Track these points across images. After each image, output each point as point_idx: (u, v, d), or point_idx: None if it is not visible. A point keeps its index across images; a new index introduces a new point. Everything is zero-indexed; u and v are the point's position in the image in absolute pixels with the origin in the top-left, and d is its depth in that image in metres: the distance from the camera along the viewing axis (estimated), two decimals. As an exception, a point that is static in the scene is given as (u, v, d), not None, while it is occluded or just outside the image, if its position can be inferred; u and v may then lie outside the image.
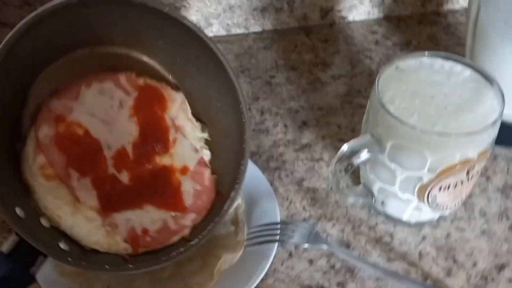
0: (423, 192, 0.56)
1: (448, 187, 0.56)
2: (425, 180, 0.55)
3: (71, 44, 0.55)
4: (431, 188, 0.56)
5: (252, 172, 0.66)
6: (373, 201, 0.62)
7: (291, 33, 0.89)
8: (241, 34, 0.89)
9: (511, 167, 0.69)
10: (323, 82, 0.81)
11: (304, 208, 0.66)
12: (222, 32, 0.88)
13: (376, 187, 0.60)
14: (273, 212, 0.62)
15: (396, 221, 0.63)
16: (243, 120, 0.56)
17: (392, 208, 0.61)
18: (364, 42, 0.87)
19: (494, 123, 0.53)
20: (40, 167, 0.53)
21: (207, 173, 0.59)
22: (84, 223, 0.55)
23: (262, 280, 0.57)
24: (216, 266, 0.58)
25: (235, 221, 0.62)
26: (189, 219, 0.57)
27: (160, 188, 0.57)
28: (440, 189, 0.56)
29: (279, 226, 0.60)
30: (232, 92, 0.54)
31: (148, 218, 0.56)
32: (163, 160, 0.57)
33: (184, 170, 0.58)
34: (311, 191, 0.68)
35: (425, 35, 0.88)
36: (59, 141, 0.54)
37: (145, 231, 0.55)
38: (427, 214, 0.61)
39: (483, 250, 0.61)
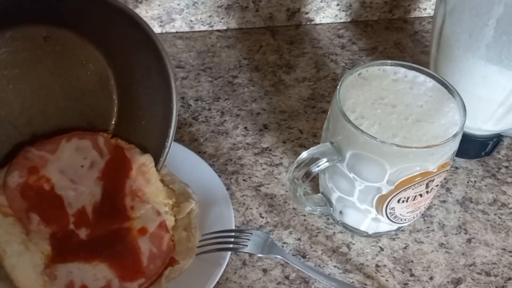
0: (381, 203, 0.55)
1: (407, 199, 0.54)
2: (384, 191, 0.54)
3: (22, 16, 0.56)
4: (390, 200, 0.54)
5: (208, 175, 0.64)
6: (332, 210, 0.60)
7: (256, 33, 0.87)
8: (205, 31, 0.86)
9: (471, 180, 0.68)
10: (287, 84, 0.79)
11: (260, 215, 0.64)
12: (185, 28, 0.85)
13: (334, 196, 0.59)
14: (228, 218, 0.60)
15: (354, 232, 0.61)
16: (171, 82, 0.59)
17: (350, 218, 0.60)
18: (330, 46, 0.86)
19: (455, 136, 0.52)
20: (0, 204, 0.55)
21: (166, 238, 0.57)
22: (27, 266, 0.53)
23: (213, 289, 0.55)
24: (165, 274, 0.55)
25: (187, 226, 0.60)
26: (136, 283, 0.54)
27: (118, 247, 0.55)
28: (398, 201, 0.54)
29: (233, 233, 0.58)
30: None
31: (91, 274, 0.53)
32: (122, 225, 0.57)
33: (143, 231, 0.57)
34: (269, 197, 0.66)
35: (391, 41, 0.87)
36: (25, 189, 0.56)
37: (83, 287, 0.52)
38: (385, 225, 0.59)
39: (440, 264, 0.60)
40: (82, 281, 0.52)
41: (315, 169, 0.54)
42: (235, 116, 0.75)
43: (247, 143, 0.71)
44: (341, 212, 0.60)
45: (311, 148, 0.55)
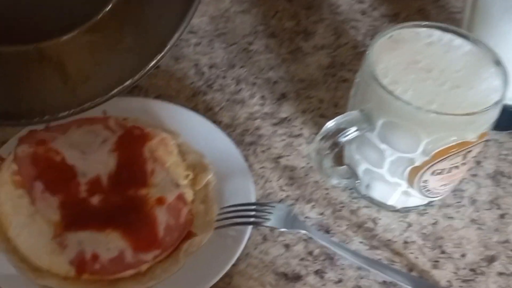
0: (414, 176, 0.51)
1: (442, 172, 0.51)
2: (417, 163, 0.50)
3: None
4: (423, 172, 0.51)
5: (225, 145, 0.60)
6: (357, 183, 0.57)
7: (271, -3, 0.82)
8: (218, -5, 0.82)
9: (503, 153, 0.64)
10: (305, 52, 0.75)
11: (281, 188, 0.60)
12: (197, -8, 0.81)
13: (361, 168, 0.55)
14: (248, 191, 0.56)
15: (381, 206, 0.58)
16: None
17: (378, 191, 0.56)
18: (350, 12, 0.81)
19: (497, 103, 0.48)
20: (12, 172, 0.53)
21: (184, 210, 0.54)
22: (33, 234, 0.50)
23: (233, 265, 0.52)
24: (183, 248, 0.52)
25: (204, 199, 0.56)
26: (150, 255, 0.50)
27: (132, 216, 0.52)
28: (433, 173, 0.51)
29: (254, 207, 0.55)
30: None
31: (104, 243, 0.50)
32: (138, 191, 0.54)
33: (160, 201, 0.53)
34: (289, 170, 0.62)
35: (414, 7, 0.82)
36: (35, 158, 0.54)
37: (94, 257, 0.49)
38: (415, 200, 0.56)
39: (472, 241, 0.56)
40: (94, 250, 0.49)
41: (342, 139, 0.51)
42: (252, 85, 0.71)
43: (265, 113, 0.67)
44: (368, 185, 0.56)
45: (338, 116, 0.52)
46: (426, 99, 0.49)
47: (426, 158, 0.50)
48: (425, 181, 0.52)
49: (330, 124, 0.51)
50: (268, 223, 0.53)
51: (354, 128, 0.51)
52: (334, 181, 0.55)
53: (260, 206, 0.55)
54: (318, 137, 0.51)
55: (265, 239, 0.56)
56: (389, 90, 0.48)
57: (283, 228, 0.53)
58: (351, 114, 0.52)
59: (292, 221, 0.54)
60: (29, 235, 0.50)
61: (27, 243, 0.49)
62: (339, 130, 0.51)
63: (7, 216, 0.50)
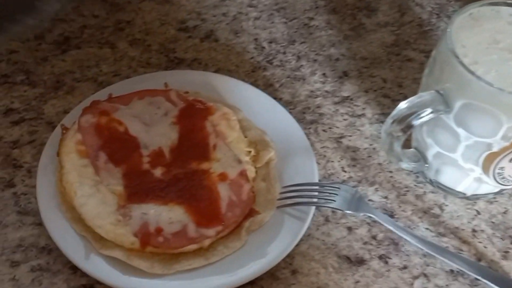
0: (490, 162, 0.49)
1: (521, 159, 0.48)
2: (495, 148, 0.48)
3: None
4: (501, 159, 0.48)
5: (287, 123, 0.59)
6: (426, 167, 0.54)
7: (333, -28, 0.79)
8: (278, -32, 0.79)
9: None
10: (368, 29, 0.72)
11: (343, 169, 0.58)
12: (257, -36, 0.79)
13: (431, 152, 0.53)
14: (310, 170, 0.55)
15: (448, 192, 0.56)
16: None
17: (448, 177, 0.54)
18: (415, -12, 0.78)
19: None
20: (76, 142, 0.53)
21: (246, 187, 0.52)
22: (98, 204, 0.50)
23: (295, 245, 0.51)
24: (245, 226, 0.51)
25: (266, 177, 0.55)
26: (213, 230, 0.49)
27: (195, 190, 0.51)
28: (511, 160, 0.48)
29: (317, 187, 0.53)
30: None
31: (167, 217, 0.49)
32: (201, 165, 0.53)
33: (223, 177, 0.52)
34: (351, 150, 0.60)
35: (483, -15, 0.78)
36: (98, 128, 0.54)
37: (158, 230, 0.48)
38: (486, 187, 0.53)
39: (545, 232, 0.54)
40: (158, 223, 0.48)
41: (416, 121, 0.48)
42: (313, 61, 0.68)
43: (326, 91, 0.65)
44: (437, 170, 0.54)
45: (412, 97, 0.49)
46: (510, 81, 0.46)
47: (506, 144, 0.47)
48: (502, 168, 0.49)
49: (403, 105, 0.49)
50: (334, 205, 0.51)
51: (429, 110, 0.48)
52: (404, 165, 0.53)
53: (325, 186, 0.53)
54: (390, 119, 0.49)
55: (327, 220, 0.54)
56: (471, 70, 0.46)
57: (348, 211, 0.51)
58: (426, 95, 0.49)
59: (357, 203, 0.52)
60: (94, 205, 0.49)
61: (92, 213, 0.49)
62: (413, 111, 0.48)
63: (72, 185, 0.50)
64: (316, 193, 0.53)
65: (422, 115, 0.48)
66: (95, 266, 0.47)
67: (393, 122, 0.49)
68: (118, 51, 0.66)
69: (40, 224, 0.51)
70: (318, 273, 0.51)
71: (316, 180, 0.54)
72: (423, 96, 0.49)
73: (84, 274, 0.48)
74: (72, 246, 0.48)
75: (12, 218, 0.51)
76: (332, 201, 0.51)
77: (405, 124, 0.48)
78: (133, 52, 0.67)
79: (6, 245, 0.50)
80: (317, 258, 0.52)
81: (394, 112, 0.49)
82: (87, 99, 0.57)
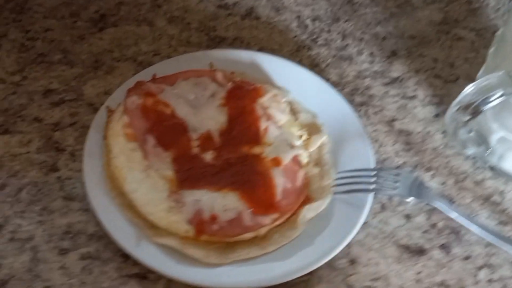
0: (562, 147, 0.46)
1: None
2: None
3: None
4: None
5: (338, 105, 0.56)
6: (488, 152, 0.52)
7: None
8: None
9: None
10: (415, 6, 0.69)
11: (397, 154, 0.56)
12: None
13: (495, 136, 0.50)
14: (365, 155, 0.52)
15: (509, 178, 0.53)
16: None
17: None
18: (463, -37, 0.74)
19: None
20: (123, 125, 0.50)
21: (300, 173, 0.50)
22: (149, 190, 0.47)
23: (350, 234, 0.48)
24: (301, 213, 0.48)
25: (318, 162, 0.53)
26: (269, 218, 0.47)
27: (249, 176, 0.48)
28: None
29: (374, 172, 0.51)
30: None
31: (221, 204, 0.47)
32: (252, 149, 0.50)
33: (276, 162, 0.50)
34: (404, 134, 0.57)
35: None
36: (145, 110, 0.51)
37: (213, 218, 0.46)
38: (553, 173, 0.51)
39: None
40: (212, 210, 0.46)
41: (485, 106, 0.45)
42: (359, 40, 0.65)
43: (375, 71, 0.63)
44: (501, 155, 0.51)
45: (479, 80, 0.46)
46: None
47: None
48: None
49: (469, 89, 0.46)
50: (396, 192, 0.49)
51: (499, 93, 0.45)
52: (470, 152, 0.50)
53: (383, 172, 0.50)
54: (455, 105, 0.46)
55: (383, 208, 0.52)
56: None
57: (410, 198, 0.49)
58: (494, 76, 0.46)
59: (417, 190, 0.50)
60: (145, 191, 0.47)
61: (144, 199, 0.47)
62: (481, 95, 0.46)
63: (121, 170, 0.48)
64: (373, 180, 0.50)
65: (491, 99, 0.46)
66: (148, 254, 0.45)
67: (458, 109, 0.46)
68: (157, 29, 0.63)
69: (87, 210, 0.49)
70: (377, 263, 0.49)
71: (372, 166, 0.51)
72: (490, 78, 0.46)
73: (136, 263, 0.46)
74: (122, 233, 0.46)
75: (58, 203, 0.49)
76: (394, 188, 0.49)
77: (472, 109, 0.46)
78: (172, 30, 0.64)
79: (53, 232, 0.48)
80: (376, 248, 0.50)
81: (460, 97, 0.46)
82: (130, 80, 0.55)
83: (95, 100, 0.56)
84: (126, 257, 0.47)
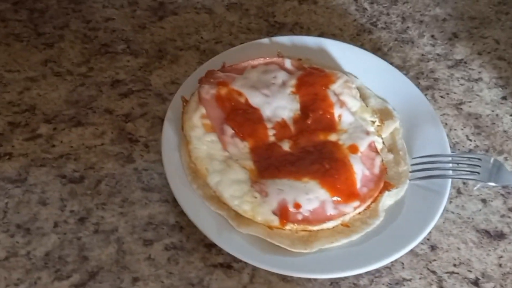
0: None
1: None
2: None
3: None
4: None
5: (408, 89, 0.55)
6: None
7: None
8: None
9: None
10: (472, -14, 0.68)
11: (467, 137, 0.56)
12: None
13: None
14: (441, 140, 0.52)
15: None
16: None
17: None
18: None
19: None
20: (201, 116, 0.50)
21: (378, 160, 0.50)
22: (232, 181, 0.47)
23: (429, 220, 0.48)
24: (381, 200, 0.48)
25: (392, 148, 0.52)
26: (351, 206, 0.47)
27: (328, 162, 0.48)
28: None
29: (451, 158, 0.50)
30: None
31: (303, 193, 0.46)
32: (328, 136, 0.50)
33: (354, 149, 0.49)
34: (473, 117, 0.57)
35: None
36: (219, 100, 0.51)
37: (297, 207, 0.46)
38: None
39: None
40: (295, 199, 0.46)
41: None
42: (419, 23, 0.65)
43: (438, 54, 0.62)
44: None
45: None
46: None
47: None
48: None
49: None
50: (478, 177, 0.48)
51: None
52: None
53: (460, 156, 0.50)
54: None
55: (459, 192, 0.52)
56: None
57: (492, 183, 0.48)
58: None
59: (497, 174, 0.49)
60: (228, 182, 0.47)
61: (228, 190, 0.46)
62: None
63: (203, 161, 0.48)
64: (451, 165, 0.50)
65: None
66: (233, 244, 0.45)
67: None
68: (216, 17, 0.63)
69: (166, 201, 0.49)
70: (458, 248, 0.49)
71: (448, 151, 0.51)
72: None
73: (219, 252, 0.47)
74: (207, 223, 0.46)
75: (137, 195, 0.49)
76: (473, 173, 0.48)
77: None
78: (231, 17, 0.63)
79: (136, 223, 0.48)
80: (455, 233, 0.49)
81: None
82: (198, 69, 0.54)
83: (163, 90, 0.56)
84: (209, 247, 0.47)
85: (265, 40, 0.58)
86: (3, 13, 0.61)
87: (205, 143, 0.49)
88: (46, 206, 0.48)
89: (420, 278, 0.47)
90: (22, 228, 0.47)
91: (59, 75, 0.57)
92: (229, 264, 0.47)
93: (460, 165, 0.49)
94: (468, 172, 0.49)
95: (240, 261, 0.46)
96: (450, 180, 0.49)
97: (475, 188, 0.52)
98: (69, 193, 0.49)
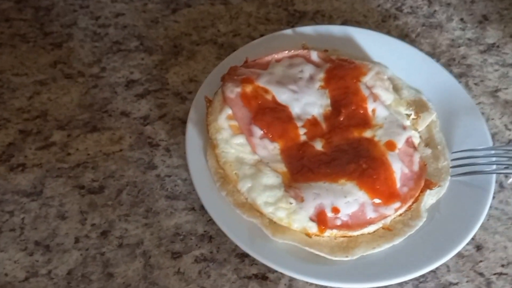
0: None
1: None
2: None
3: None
4: None
5: (442, 78, 0.52)
6: None
7: None
8: None
9: None
10: (500, -36, 0.64)
11: (506, 127, 0.52)
12: None
13: None
14: (482, 132, 0.48)
15: None
16: None
17: None
18: None
19: None
20: (227, 117, 0.47)
21: (416, 156, 0.46)
22: (264, 186, 0.44)
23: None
24: (423, 200, 0.45)
25: (429, 142, 0.49)
26: (391, 208, 0.44)
27: (364, 161, 0.45)
28: None
29: (493, 152, 0.47)
30: None
31: (341, 196, 0.43)
32: (362, 133, 0.47)
33: (391, 146, 0.46)
34: (511, 105, 0.54)
35: None
36: (245, 98, 0.48)
37: (335, 211, 0.43)
38: None
39: None
40: (333, 203, 0.43)
41: None
42: (446, 6, 0.61)
43: (468, 39, 0.58)
44: None
45: None
46: None
47: None
48: None
49: None
50: (528, 172, 0.45)
51: None
52: None
53: (504, 149, 0.47)
54: None
55: (502, 186, 0.49)
56: None
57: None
58: None
59: (545, 167, 0.46)
60: (260, 187, 0.44)
61: (260, 196, 0.43)
62: None
63: (232, 166, 0.45)
64: (494, 159, 0.47)
65: None
66: (268, 253, 0.42)
67: None
68: (232, 8, 0.59)
69: (193, 209, 0.46)
70: (505, 247, 0.46)
71: (490, 143, 0.48)
72: None
73: (253, 263, 0.44)
74: (238, 232, 0.43)
75: (161, 204, 0.46)
76: (522, 168, 0.45)
77: None
78: (248, 8, 0.60)
79: (162, 235, 0.45)
80: (501, 230, 0.46)
81: None
82: (219, 66, 0.51)
83: (181, 89, 0.53)
84: (242, 257, 0.44)
85: (288, 31, 0.55)
86: (6, 13, 0.58)
87: (233, 146, 0.45)
88: (65, 220, 0.45)
89: (467, 282, 0.44)
90: (41, 246, 0.44)
91: (70, 77, 0.53)
92: (264, 275, 0.44)
93: (504, 159, 0.46)
94: (515, 166, 0.46)
95: (276, 271, 0.43)
96: (494, 175, 0.46)
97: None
98: (88, 205, 0.46)
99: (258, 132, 0.46)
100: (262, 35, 0.56)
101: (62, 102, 0.52)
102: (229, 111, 0.46)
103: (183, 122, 0.49)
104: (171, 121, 0.51)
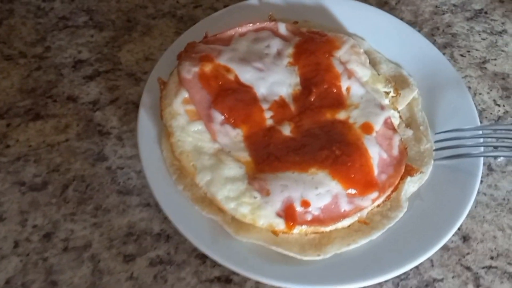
0: None
1: None
2: None
3: None
4: None
5: (425, 50, 0.47)
6: None
7: None
8: None
9: None
10: None
11: (495, 102, 0.48)
12: None
13: None
14: (468, 109, 0.44)
15: None
16: None
17: None
18: None
19: None
20: (183, 101, 0.41)
21: (396, 139, 0.41)
22: (225, 179, 0.39)
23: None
24: (403, 188, 0.41)
25: (410, 122, 0.44)
26: (368, 199, 0.39)
27: (338, 147, 0.40)
28: None
29: (483, 131, 0.42)
30: None
31: (312, 187, 0.38)
32: (336, 114, 0.42)
33: (367, 128, 0.41)
34: (500, 78, 0.49)
35: None
36: (204, 79, 0.42)
37: (305, 205, 0.38)
38: None
39: None
40: (302, 196, 0.38)
41: None
42: (429, -32, 0.56)
43: (454, 5, 0.53)
44: None
45: None
46: None
47: None
48: None
49: None
50: (519, 155, 0.41)
51: None
52: None
53: (493, 129, 0.42)
54: None
55: (490, 169, 0.44)
56: None
57: (535, 160, 0.41)
58: None
59: (537, 148, 0.42)
60: (221, 180, 0.39)
61: (221, 191, 0.39)
62: None
63: (189, 157, 0.40)
64: (482, 140, 0.42)
65: None
66: (231, 254, 0.38)
67: None
68: (193, -25, 0.54)
69: (148, 205, 0.41)
70: (494, 237, 0.42)
71: (477, 122, 0.43)
72: None
73: (216, 264, 0.39)
74: (197, 231, 0.38)
75: (113, 200, 0.41)
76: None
77: None
78: (210, -25, 0.54)
79: (113, 235, 0.40)
80: (489, 218, 0.42)
81: None
82: (176, 42, 0.45)
83: (136, 69, 0.48)
84: (203, 259, 0.40)
85: (254, 1, 0.49)
86: None
87: (191, 134, 0.40)
88: (3, 221, 0.40)
89: (453, 277, 0.40)
90: (-25, 252, 0.39)
91: (10, 59, 0.48)
92: (228, 278, 0.39)
93: (492, 139, 0.42)
94: (505, 148, 0.41)
95: (242, 275, 0.38)
96: (482, 158, 0.42)
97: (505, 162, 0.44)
98: (30, 203, 0.41)
99: (218, 117, 0.41)
100: (226, 6, 0.50)
101: (1, 87, 0.46)
102: (185, 94, 0.41)
103: (138, 106, 0.44)
104: (124, 106, 0.46)
